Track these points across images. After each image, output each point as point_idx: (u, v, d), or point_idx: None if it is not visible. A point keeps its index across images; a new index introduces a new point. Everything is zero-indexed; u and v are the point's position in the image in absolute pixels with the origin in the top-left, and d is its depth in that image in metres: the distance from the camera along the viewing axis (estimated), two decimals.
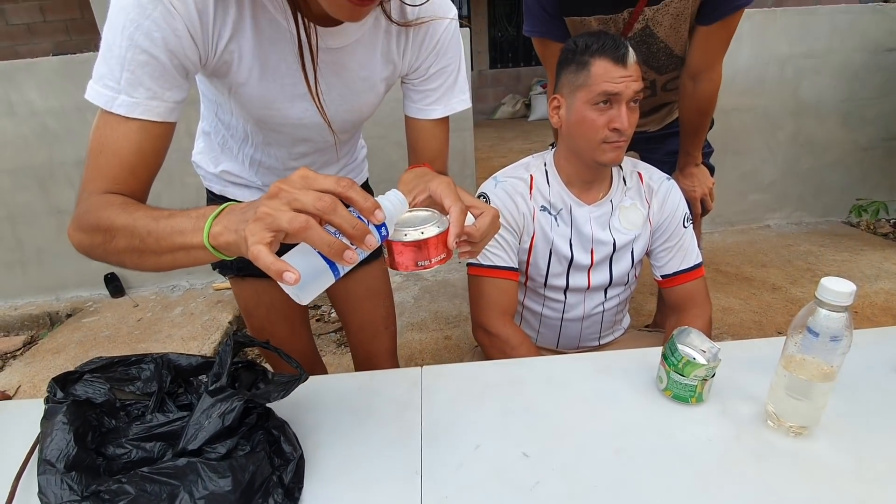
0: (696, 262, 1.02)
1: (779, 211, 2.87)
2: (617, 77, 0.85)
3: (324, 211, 0.41)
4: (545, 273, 1.02)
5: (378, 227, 0.46)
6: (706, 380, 0.63)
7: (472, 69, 2.82)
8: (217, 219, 0.46)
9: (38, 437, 0.58)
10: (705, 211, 1.31)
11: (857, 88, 2.62)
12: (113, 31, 0.52)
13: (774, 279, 2.27)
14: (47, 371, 1.91)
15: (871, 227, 2.75)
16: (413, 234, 0.48)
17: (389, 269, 1.07)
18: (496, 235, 0.97)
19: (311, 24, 0.60)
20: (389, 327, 1.06)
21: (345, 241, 0.43)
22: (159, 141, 0.57)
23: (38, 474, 0.48)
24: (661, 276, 1.04)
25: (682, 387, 0.64)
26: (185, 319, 2.21)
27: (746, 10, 1.04)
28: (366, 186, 1.02)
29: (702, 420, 0.62)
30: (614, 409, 0.65)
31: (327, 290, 1.05)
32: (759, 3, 4.16)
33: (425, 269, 0.50)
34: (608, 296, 1.05)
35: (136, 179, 0.57)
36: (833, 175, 2.79)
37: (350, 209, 0.44)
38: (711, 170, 1.34)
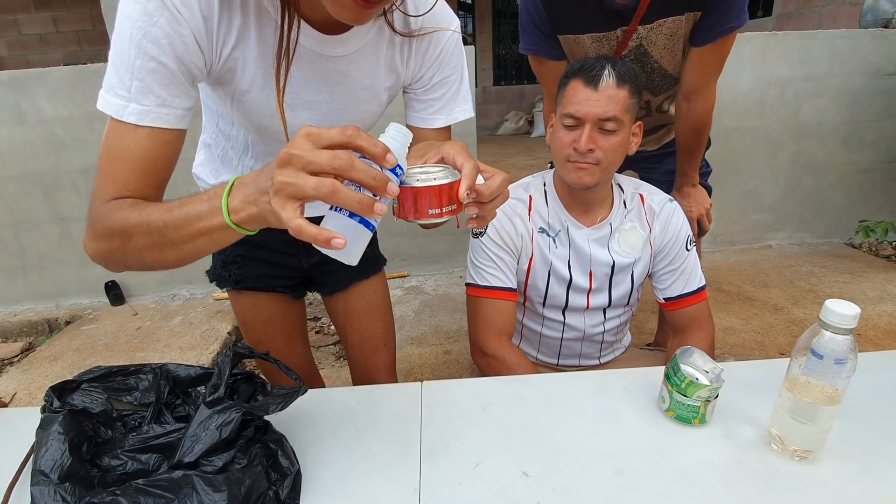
0: (700, 286, 1.01)
1: (780, 231, 2.87)
2: (582, 99, 0.87)
3: (342, 169, 0.41)
4: (544, 294, 1.01)
5: (392, 171, 0.45)
6: (709, 401, 0.62)
7: (476, 86, 2.85)
8: (231, 195, 0.46)
9: (32, 446, 0.58)
10: (702, 231, 1.31)
11: (857, 111, 2.65)
12: (121, 39, 0.52)
13: (776, 299, 2.26)
14: (44, 378, 1.90)
15: (874, 250, 2.74)
16: (425, 180, 0.48)
17: (388, 284, 1.06)
18: (493, 256, 0.98)
19: (298, 26, 0.59)
20: (388, 343, 1.05)
21: (368, 194, 0.42)
22: (169, 147, 0.57)
23: (31, 485, 0.47)
24: (664, 299, 1.03)
25: (685, 407, 0.63)
26: (184, 329, 2.20)
27: (748, 34, 1.06)
28: None
29: (705, 442, 0.61)
30: (616, 429, 0.64)
31: (326, 305, 1.05)
32: (760, 27, 4.23)
33: (435, 218, 0.49)
34: (608, 316, 1.04)
35: (148, 185, 0.56)
36: (834, 196, 2.80)
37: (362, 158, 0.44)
38: (709, 190, 1.35)
